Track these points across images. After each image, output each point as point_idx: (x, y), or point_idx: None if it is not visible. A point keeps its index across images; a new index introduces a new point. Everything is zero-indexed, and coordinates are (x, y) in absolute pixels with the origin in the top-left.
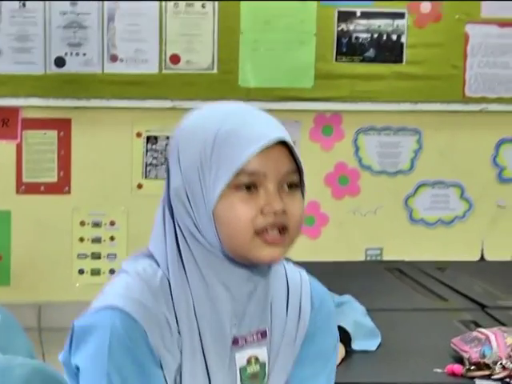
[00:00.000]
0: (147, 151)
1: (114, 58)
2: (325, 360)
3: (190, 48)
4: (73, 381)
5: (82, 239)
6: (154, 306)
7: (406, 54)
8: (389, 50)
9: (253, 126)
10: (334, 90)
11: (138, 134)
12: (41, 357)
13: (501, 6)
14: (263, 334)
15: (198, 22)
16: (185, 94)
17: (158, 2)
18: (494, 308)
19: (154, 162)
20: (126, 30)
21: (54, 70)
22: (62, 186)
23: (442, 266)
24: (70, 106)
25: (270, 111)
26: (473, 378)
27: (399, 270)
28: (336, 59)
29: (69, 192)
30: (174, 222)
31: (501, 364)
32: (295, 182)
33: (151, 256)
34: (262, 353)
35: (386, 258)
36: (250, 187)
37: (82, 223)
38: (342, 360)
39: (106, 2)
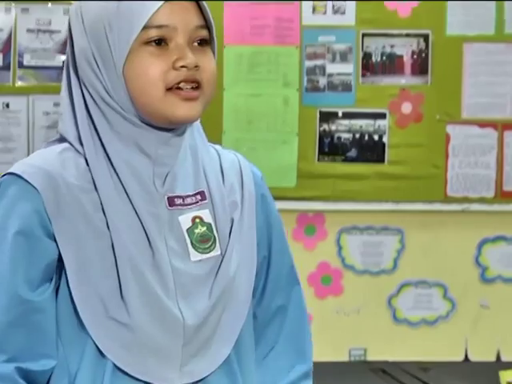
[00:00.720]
0: None
1: None
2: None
3: None
4: None
5: None
6: (59, 172)
7: (388, 153)
8: (370, 150)
9: None
10: (317, 190)
11: None
12: None
13: (481, 108)
14: (202, 195)
15: None
16: None
17: None
18: None
19: None
20: None
21: None
22: None
23: (425, 366)
24: None
25: None
26: None
27: (383, 370)
28: (318, 159)
29: None
30: (81, 90)
31: None
32: (206, 38)
33: (63, 139)
34: (205, 213)
35: (369, 358)
36: (160, 42)
37: None
38: None
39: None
